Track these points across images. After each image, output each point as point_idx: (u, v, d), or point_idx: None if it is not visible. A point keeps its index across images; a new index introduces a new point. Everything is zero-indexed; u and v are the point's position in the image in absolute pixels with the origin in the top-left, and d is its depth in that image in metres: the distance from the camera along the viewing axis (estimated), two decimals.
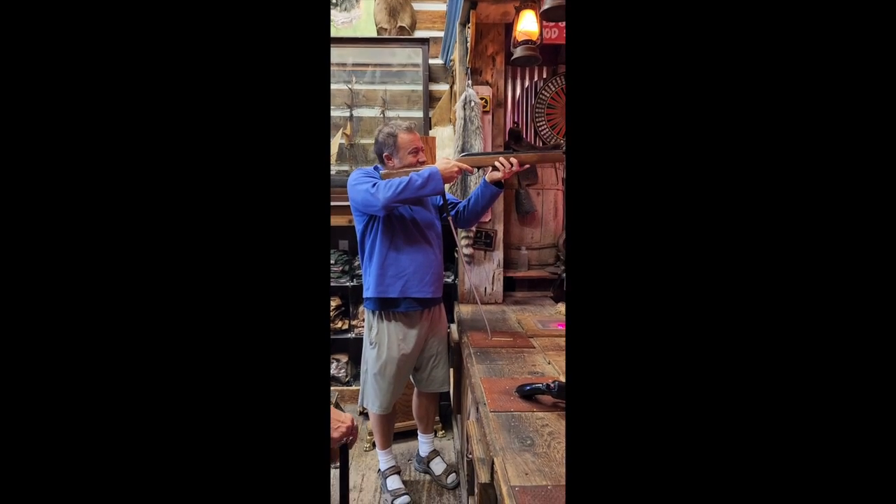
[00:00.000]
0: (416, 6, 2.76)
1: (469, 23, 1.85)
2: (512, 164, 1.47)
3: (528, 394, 1.07)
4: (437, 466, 1.86)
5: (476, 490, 1.02)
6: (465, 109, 1.94)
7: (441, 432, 2.20)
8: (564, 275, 2.16)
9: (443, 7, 2.71)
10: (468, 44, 1.92)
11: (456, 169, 1.47)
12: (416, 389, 1.83)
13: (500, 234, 2.09)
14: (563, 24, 2.15)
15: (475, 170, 1.58)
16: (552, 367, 1.30)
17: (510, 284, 2.25)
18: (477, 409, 1.16)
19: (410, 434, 2.08)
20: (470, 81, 1.97)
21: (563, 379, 1.12)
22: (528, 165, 1.51)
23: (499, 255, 2.09)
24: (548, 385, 1.03)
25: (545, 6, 1.31)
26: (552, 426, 0.95)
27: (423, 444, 1.90)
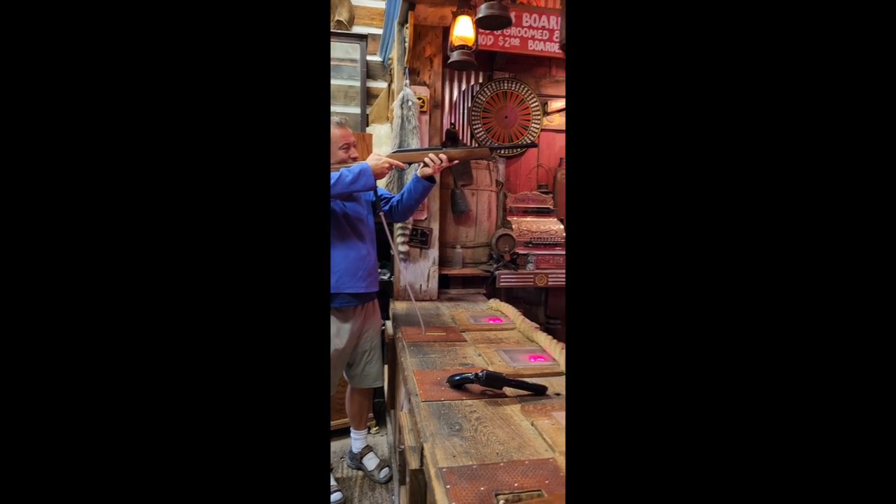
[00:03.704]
0: (355, 1, 2.73)
1: (407, 23, 1.88)
2: (441, 160, 1.53)
3: (458, 383, 1.12)
4: (370, 462, 1.86)
5: (407, 478, 1.05)
6: (402, 108, 1.96)
7: (375, 428, 2.20)
8: (497, 272, 2.26)
9: (382, 4, 2.72)
10: (406, 44, 1.95)
11: (387, 165, 1.51)
12: (349, 386, 1.83)
13: (436, 233, 2.14)
14: (498, 32, 2.24)
15: (406, 165, 1.62)
16: (482, 358, 1.36)
17: (445, 282, 2.31)
18: (409, 400, 1.19)
19: (343, 432, 2.06)
20: (408, 81, 2.00)
21: (490, 368, 1.19)
22: (456, 161, 1.58)
23: (434, 252, 2.14)
24: (476, 374, 1.09)
25: (479, 14, 1.37)
26: (479, 412, 1.01)
27: (356, 440, 1.90)
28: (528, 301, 2.46)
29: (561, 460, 0.81)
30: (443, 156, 1.54)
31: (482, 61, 2.36)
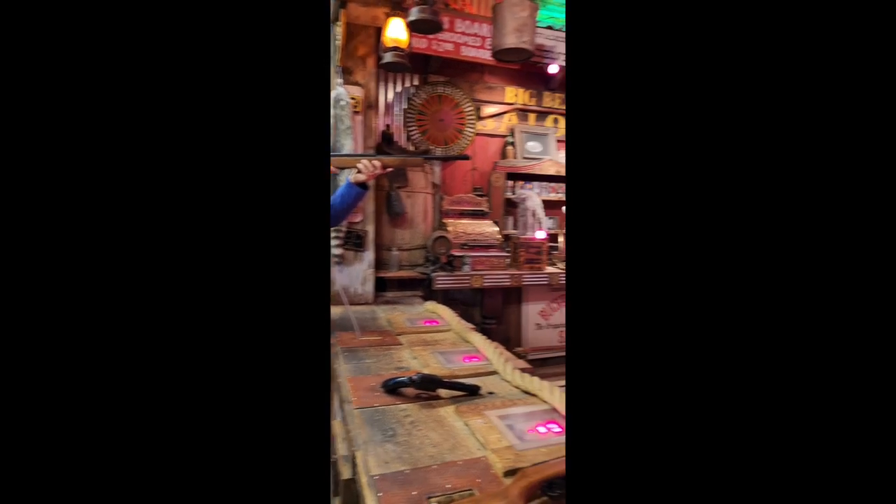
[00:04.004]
0: None
1: (339, 21, 1.84)
2: (375, 167, 1.51)
3: (393, 388, 1.11)
4: None
5: (339, 489, 1.02)
6: (335, 108, 1.91)
7: None
8: (433, 274, 2.27)
9: None
10: (338, 42, 1.90)
11: None
12: None
13: (372, 235, 2.10)
14: (431, 35, 2.26)
15: (339, 170, 1.58)
16: (417, 361, 1.36)
17: (381, 285, 2.28)
18: (342, 408, 1.16)
19: None
20: (341, 80, 1.96)
21: (426, 371, 1.19)
22: (390, 168, 1.56)
23: (370, 255, 2.10)
24: (411, 378, 1.08)
25: (411, 17, 1.37)
26: (413, 416, 1.00)
27: None
28: (464, 302, 2.50)
29: (492, 458, 0.82)
30: (377, 163, 1.51)
31: (416, 64, 2.37)
